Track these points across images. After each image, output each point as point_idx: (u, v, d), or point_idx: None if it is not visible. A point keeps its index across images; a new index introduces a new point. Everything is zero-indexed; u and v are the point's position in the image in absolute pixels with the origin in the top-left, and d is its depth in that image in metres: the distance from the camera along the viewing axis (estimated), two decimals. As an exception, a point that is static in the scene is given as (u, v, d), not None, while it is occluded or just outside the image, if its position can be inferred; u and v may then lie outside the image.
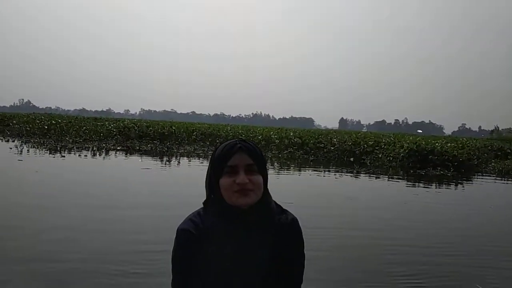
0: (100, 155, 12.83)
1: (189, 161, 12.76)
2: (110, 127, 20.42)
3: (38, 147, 14.02)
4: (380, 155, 15.43)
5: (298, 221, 1.44)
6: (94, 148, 14.73)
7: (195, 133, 20.21)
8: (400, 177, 11.44)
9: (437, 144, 15.73)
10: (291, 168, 12.39)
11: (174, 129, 20.26)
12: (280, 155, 16.07)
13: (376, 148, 16.71)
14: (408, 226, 5.46)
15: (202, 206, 1.42)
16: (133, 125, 21.95)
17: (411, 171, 12.75)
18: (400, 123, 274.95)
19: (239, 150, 1.32)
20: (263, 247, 1.34)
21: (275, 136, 18.69)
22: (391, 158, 14.97)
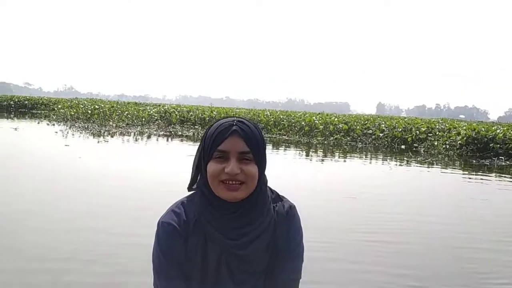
0: (143, 140, 12.65)
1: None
2: (151, 111, 20.38)
3: (83, 132, 14.06)
4: (435, 143, 14.33)
5: (296, 208, 1.30)
6: (137, 133, 14.63)
7: (235, 118, 19.76)
8: (468, 167, 10.44)
9: (498, 131, 14.41)
10: (342, 156, 11.65)
11: (214, 114, 19.92)
12: (325, 142, 15.33)
13: (429, 134, 15.61)
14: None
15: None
16: (174, 110, 21.84)
17: (472, 161, 11.67)
18: (442, 107, 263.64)
19: (233, 133, 1.13)
20: (256, 241, 1.19)
21: (319, 121, 17.87)
22: (447, 146, 13.87)
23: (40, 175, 6.19)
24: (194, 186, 1.26)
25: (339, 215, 4.77)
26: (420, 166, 9.94)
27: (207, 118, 19.31)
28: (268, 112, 23.49)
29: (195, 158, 1.24)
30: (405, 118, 28.03)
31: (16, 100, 34.24)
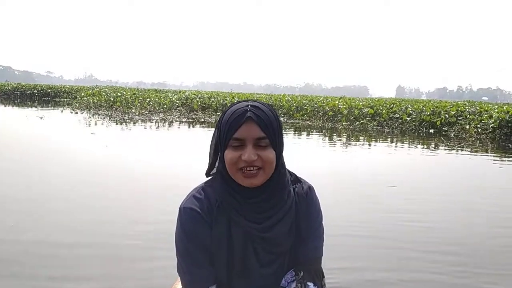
0: (166, 127, 12.58)
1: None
2: (173, 98, 20.30)
3: (106, 120, 14.09)
4: (467, 126, 13.78)
5: (314, 190, 1.33)
6: (160, 120, 14.57)
7: (257, 103, 19.48)
8: (504, 151, 9.97)
9: (533, 113, 13.74)
10: (373, 141, 11.30)
11: (236, 100, 19.70)
12: (351, 127, 14.96)
13: (459, 118, 15.03)
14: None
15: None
16: (195, 96, 21.72)
17: (509, 145, 11.15)
18: (464, 89, 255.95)
19: (248, 119, 1.12)
20: (280, 224, 1.22)
21: (343, 106, 17.45)
22: (479, 130, 13.33)
23: (74, 166, 6.13)
24: (213, 172, 1.27)
25: (381, 205, 4.53)
26: (454, 150, 9.53)
27: (229, 104, 19.09)
28: (289, 97, 23.13)
29: (211, 144, 1.24)
30: (430, 101, 27.16)
31: (40, 88, 34.80)
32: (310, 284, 1.24)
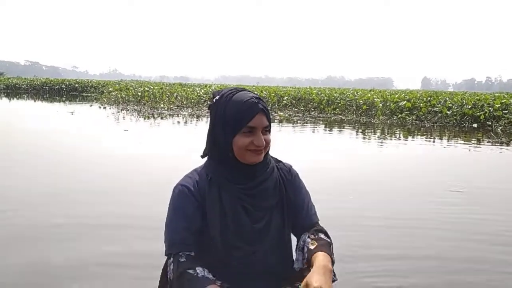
0: (195, 122, 12.23)
1: (293, 128, 11.58)
2: (200, 93, 19.99)
3: (135, 115, 13.88)
4: (516, 121, 12.85)
5: (293, 167, 1.56)
6: (190, 115, 14.26)
7: (286, 97, 18.93)
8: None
9: None
10: (419, 138, 10.63)
11: (264, 94, 19.21)
12: (388, 122, 14.23)
13: (504, 112, 14.08)
14: None
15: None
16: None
17: None
18: (493, 80, 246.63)
19: (260, 111, 1.31)
20: (265, 182, 1.41)
21: (379, 99, 16.68)
22: (529, 124, 12.42)
23: (117, 166, 5.82)
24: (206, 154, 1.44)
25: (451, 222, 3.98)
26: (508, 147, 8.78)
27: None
28: (318, 91, 22.43)
29: (210, 128, 1.38)
30: (469, 93, 25.90)
31: (67, 83, 35.28)
32: (323, 235, 1.45)
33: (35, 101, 23.18)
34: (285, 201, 1.46)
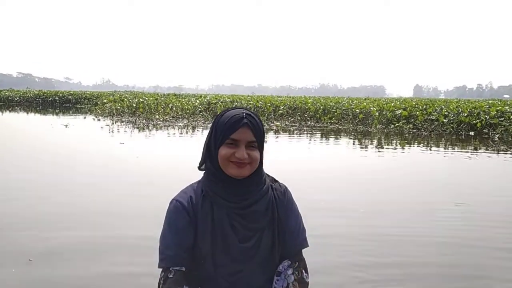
0: (194, 133, 12.09)
1: (291, 139, 11.49)
2: (196, 103, 19.88)
3: (131, 127, 13.71)
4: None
5: (289, 189, 1.56)
6: (186, 126, 14.11)
7: (282, 107, 18.88)
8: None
9: None
10: (422, 146, 10.57)
11: (260, 104, 19.15)
12: (385, 130, 14.20)
13: (501, 119, 14.12)
14: None
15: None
16: (217, 100, 21.29)
17: None
18: (484, 87, 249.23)
19: (244, 125, 1.35)
20: (256, 204, 1.43)
21: (375, 108, 16.67)
22: (525, 132, 12.43)
23: (115, 182, 5.65)
24: (203, 167, 1.48)
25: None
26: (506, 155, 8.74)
27: (253, 109, 18.55)
28: (313, 100, 22.43)
29: (205, 141, 1.46)
30: (461, 101, 26.06)
31: (61, 95, 35.01)
32: (305, 274, 1.50)
33: (27, 113, 22.91)
34: (276, 223, 1.47)
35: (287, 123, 16.40)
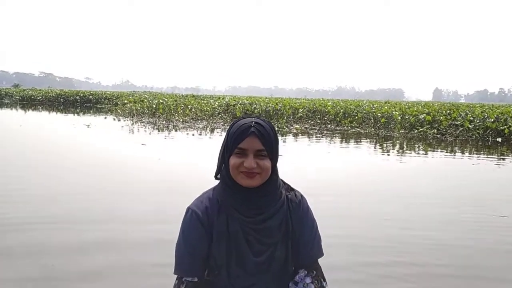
0: (215, 135, 12.05)
1: (311, 142, 11.32)
2: (214, 105, 19.88)
3: (151, 128, 13.77)
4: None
5: (305, 198, 1.54)
6: (205, 128, 14.10)
7: (301, 110, 18.71)
8: None
9: None
10: (449, 153, 10.27)
11: (279, 107, 19.00)
12: (409, 135, 13.87)
13: (531, 125, 13.62)
14: None
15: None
16: (235, 102, 21.25)
17: None
18: (506, 92, 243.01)
19: (251, 134, 1.34)
20: (271, 219, 1.41)
21: (397, 112, 16.34)
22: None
23: (142, 187, 5.62)
24: (219, 176, 1.48)
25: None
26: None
27: (272, 111, 18.44)
28: (333, 103, 22.17)
29: (220, 151, 1.45)
30: (485, 106, 25.38)
31: (82, 95, 35.56)
32: (324, 283, 1.50)
33: (49, 112, 23.33)
34: (290, 236, 1.46)
35: (306, 126, 16.22)
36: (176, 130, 13.17)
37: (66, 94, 36.34)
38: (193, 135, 12.03)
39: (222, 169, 1.45)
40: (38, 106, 28.76)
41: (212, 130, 13.57)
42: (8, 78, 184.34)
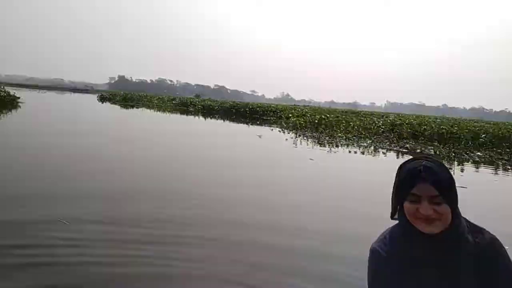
0: (378, 155, 11.45)
1: (494, 174, 9.61)
2: (378, 123, 19.07)
3: (314, 143, 14.00)
4: None
5: (499, 240, 1.32)
6: (374, 148, 13.56)
7: (483, 135, 16.26)
8: None
9: None
10: None
11: (455, 130, 16.97)
12: None
13: None
14: None
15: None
16: (401, 121, 19.94)
17: None
18: None
19: (422, 180, 1.28)
20: (461, 274, 1.27)
21: None
22: None
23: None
24: (396, 216, 1.41)
25: None
26: None
27: (447, 134, 16.57)
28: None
29: (393, 190, 1.39)
30: None
31: (251, 107, 38.99)
32: None
33: (224, 120, 26.23)
34: None
35: (492, 154, 13.97)
36: (337, 146, 13.05)
37: (238, 105, 40.41)
38: (355, 152, 11.71)
39: (399, 211, 1.38)
40: (215, 115, 32.73)
41: (375, 149, 12.96)
42: (189, 89, 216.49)
